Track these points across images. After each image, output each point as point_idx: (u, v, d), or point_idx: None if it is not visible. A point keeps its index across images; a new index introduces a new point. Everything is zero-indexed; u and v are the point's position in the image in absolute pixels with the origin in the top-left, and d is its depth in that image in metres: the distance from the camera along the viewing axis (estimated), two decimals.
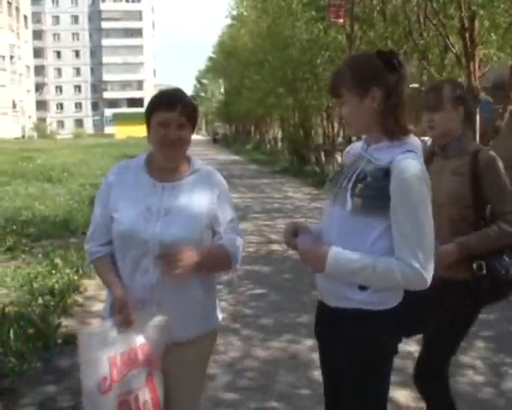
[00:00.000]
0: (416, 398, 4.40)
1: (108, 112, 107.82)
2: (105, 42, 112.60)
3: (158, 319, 2.72)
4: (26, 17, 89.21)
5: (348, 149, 2.90)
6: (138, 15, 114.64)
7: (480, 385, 4.98)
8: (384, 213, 2.50)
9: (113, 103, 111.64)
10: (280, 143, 45.00)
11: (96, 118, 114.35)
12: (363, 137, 2.76)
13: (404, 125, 2.61)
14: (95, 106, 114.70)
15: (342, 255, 2.52)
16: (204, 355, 2.99)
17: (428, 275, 2.49)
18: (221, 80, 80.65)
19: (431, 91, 3.49)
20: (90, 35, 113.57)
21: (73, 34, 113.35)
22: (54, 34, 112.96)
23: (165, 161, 2.80)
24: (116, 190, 2.83)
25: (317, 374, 5.05)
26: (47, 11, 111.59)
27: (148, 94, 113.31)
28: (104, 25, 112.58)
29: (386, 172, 2.49)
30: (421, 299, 2.71)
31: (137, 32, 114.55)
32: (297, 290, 7.66)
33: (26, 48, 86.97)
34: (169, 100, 2.75)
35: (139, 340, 2.69)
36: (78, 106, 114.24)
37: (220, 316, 3.02)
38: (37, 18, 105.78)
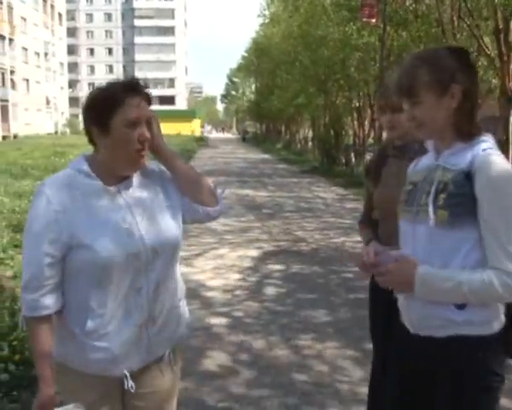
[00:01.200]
0: None
1: None
2: (138, 40, 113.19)
3: None
4: (60, 15, 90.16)
5: (413, 164, 2.68)
6: (171, 13, 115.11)
7: None
8: (473, 222, 2.25)
9: None
10: (310, 143, 44.88)
11: None
12: (430, 146, 2.53)
13: (477, 125, 2.41)
14: None
15: (431, 274, 2.27)
16: (180, 367, 2.68)
17: None
18: (252, 79, 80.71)
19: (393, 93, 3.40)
20: (123, 33, 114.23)
21: (107, 32, 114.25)
22: (87, 32, 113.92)
23: (130, 170, 2.38)
24: (68, 214, 2.26)
25: (340, 374, 5.12)
26: (81, 9, 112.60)
27: (179, 92, 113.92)
28: (137, 23, 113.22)
29: (468, 175, 2.27)
30: None
31: (170, 30, 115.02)
32: (324, 289, 7.66)
33: (60, 45, 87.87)
34: (139, 88, 2.38)
35: None
36: None
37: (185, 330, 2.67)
38: (71, 15, 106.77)
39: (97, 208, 2.30)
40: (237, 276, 8.44)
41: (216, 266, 8.99)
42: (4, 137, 59.46)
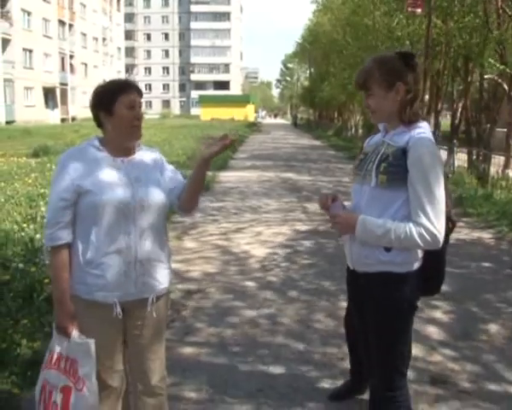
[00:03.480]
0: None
1: (195, 94, 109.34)
2: (193, 25, 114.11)
3: (85, 343, 3.03)
4: (118, 1, 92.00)
5: (368, 139, 3.42)
6: None
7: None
8: (404, 186, 2.96)
9: (200, 85, 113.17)
10: (360, 130, 45.09)
11: (183, 99, 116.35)
12: (381, 127, 3.25)
13: (417, 112, 3.11)
14: (182, 87, 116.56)
15: (369, 221, 3.00)
16: (167, 309, 3.43)
17: (441, 235, 2.94)
18: (306, 65, 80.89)
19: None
20: (180, 18, 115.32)
21: (163, 17, 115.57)
22: (144, 17, 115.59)
23: (131, 141, 3.17)
24: (80, 170, 3.03)
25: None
26: None
27: (234, 77, 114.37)
28: (193, 8, 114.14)
29: (404, 151, 2.96)
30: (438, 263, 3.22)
31: (225, 16, 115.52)
32: (344, 262, 8.37)
33: (117, 30, 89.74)
34: (131, 84, 3.16)
35: (69, 353, 3.05)
36: (166, 87, 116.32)
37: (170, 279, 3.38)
38: (129, 1, 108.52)
39: (102, 169, 3.08)
40: (269, 250, 9.24)
41: (251, 241, 9.83)
42: (63, 120, 61.53)
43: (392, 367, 3.21)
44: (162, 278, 3.25)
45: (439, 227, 2.92)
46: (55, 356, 3.09)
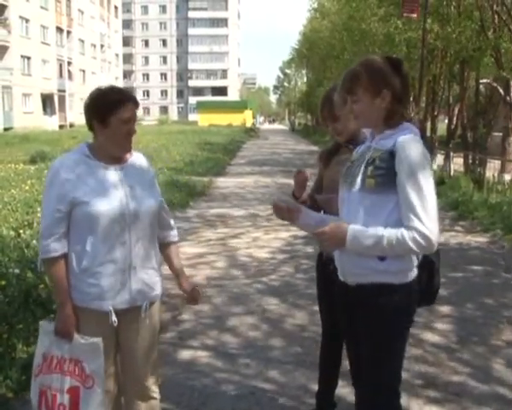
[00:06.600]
0: None
1: (193, 100, 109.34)
2: (191, 31, 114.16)
3: (92, 343, 3.08)
4: (116, 7, 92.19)
5: (357, 149, 3.17)
6: (224, 5, 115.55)
7: None
8: (393, 190, 2.78)
9: (198, 91, 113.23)
10: None
11: (181, 105, 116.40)
12: (368, 134, 3.12)
13: (402, 114, 2.98)
14: (180, 94, 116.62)
15: (359, 231, 2.79)
16: (159, 313, 3.47)
17: (435, 238, 2.75)
18: (304, 71, 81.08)
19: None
20: (177, 24, 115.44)
21: (161, 23, 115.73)
22: (142, 23, 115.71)
23: (121, 152, 3.19)
24: (74, 181, 3.03)
25: None
26: (136, 1, 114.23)
27: (231, 83, 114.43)
28: (191, 14, 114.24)
29: (391, 153, 2.81)
30: (430, 271, 3.06)
31: (223, 22, 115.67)
32: None
33: (115, 37, 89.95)
34: (129, 97, 3.12)
35: (72, 354, 3.08)
36: (164, 93, 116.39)
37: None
38: (127, 8, 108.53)
39: (96, 179, 3.09)
40: (266, 255, 9.32)
41: (249, 246, 9.90)
42: (61, 127, 61.59)
43: (383, 383, 3.01)
44: (155, 284, 3.31)
45: (431, 228, 2.74)
46: (55, 361, 3.11)
